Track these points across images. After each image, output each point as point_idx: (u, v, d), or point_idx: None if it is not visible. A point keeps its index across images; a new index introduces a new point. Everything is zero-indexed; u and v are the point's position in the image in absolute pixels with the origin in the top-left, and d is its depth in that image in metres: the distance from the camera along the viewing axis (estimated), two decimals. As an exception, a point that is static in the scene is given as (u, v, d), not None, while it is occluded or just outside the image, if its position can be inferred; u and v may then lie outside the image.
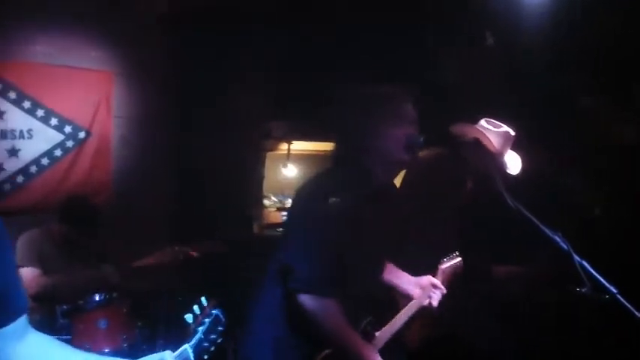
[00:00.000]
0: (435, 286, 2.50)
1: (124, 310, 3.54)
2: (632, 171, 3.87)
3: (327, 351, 2.09)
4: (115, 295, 3.55)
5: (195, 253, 3.81)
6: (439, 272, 2.61)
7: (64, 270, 3.73)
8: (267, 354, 2.12)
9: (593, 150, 4.07)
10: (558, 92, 4.14)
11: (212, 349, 1.59)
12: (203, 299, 1.64)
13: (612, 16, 3.78)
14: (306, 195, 2.18)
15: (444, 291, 2.50)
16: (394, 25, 4.62)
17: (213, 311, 1.61)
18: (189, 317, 1.60)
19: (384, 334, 2.31)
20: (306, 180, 2.25)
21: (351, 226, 2.08)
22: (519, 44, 4.26)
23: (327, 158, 2.34)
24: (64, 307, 3.41)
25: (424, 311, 2.53)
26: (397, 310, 2.45)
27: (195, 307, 1.61)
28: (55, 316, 3.41)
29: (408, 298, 2.50)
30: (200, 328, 1.58)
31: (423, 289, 2.49)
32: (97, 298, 3.46)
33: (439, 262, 2.66)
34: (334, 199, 2.07)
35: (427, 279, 2.51)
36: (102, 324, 3.39)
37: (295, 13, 4.74)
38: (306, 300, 2.03)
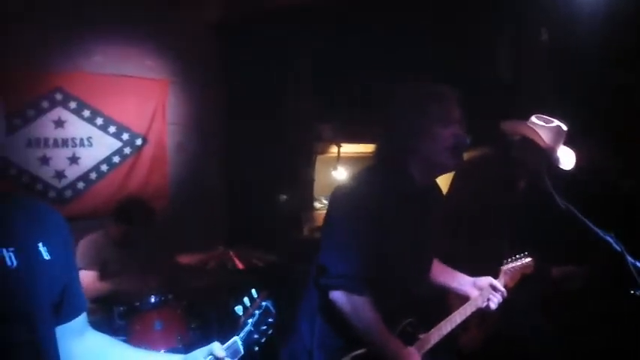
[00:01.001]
0: (494, 288, 2.40)
1: (179, 311, 3.64)
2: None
3: (360, 350, 2.08)
4: (170, 296, 3.64)
5: (241, 265, 3.84)
6: (501, 273, 2.53)
7: (123, 271, 3.86)
8: (306, 353, 2.13)
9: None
10: (616, 88, 3.99)
11: (262, 340, 1.60)
12: (253, 291, 1.63)
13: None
14: (342, 194, 2.18)
15: (505, 293, 2.40)
16: (444, 25, 4.55)
17: (264, 303, 1.60)
18: (239, 309, 1.61)
19: (431, 336, 2.27)
20: (345, 179, 2.25)
21: (387, 226, 2.06)
22: (576, 39, 4.13)
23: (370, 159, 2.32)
24: (121, 308, 3.53)
25: (482, 314, 2.46)
26: (448, 313, 2.40)
27: (246, 299, 1.61)
28: (113, 317, 3.53)
29: (464, 299, 2.42)
30: (250, 320, 1.58)
31: (482, 291, 2.40)
32: (152, 299, 3.56)
33: (500, 263, 2.58)
34: (370, 198, 2.06)
35: (486, 280, 2.42)
36: (157, 325, 3.49)
37: (344, 16, 4.75)
38: (338, 297, 2.02)
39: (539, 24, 4.50)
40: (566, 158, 2.84)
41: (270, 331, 1.60)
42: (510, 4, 4.35)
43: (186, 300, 3.74)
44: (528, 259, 2.64)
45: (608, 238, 2.03)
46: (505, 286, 2.47)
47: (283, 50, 5.02)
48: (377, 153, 2.24)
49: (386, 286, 2.09)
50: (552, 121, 2.84)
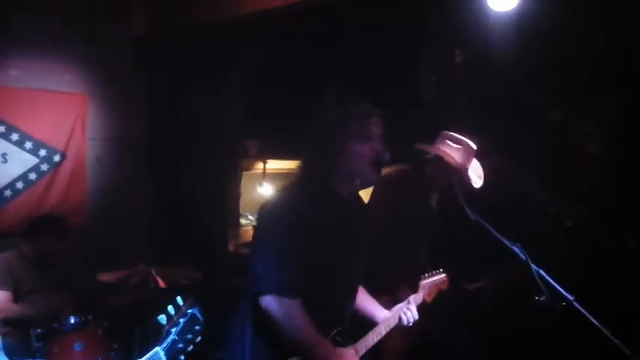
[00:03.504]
0: (408, 302, 2.53)
1: (100, 331, 3.54)
2: (600, 182, 3.95)
3: (293, 359, 2.08)
4: (90, 317, 3.54)
5: (163, 284, 3.79)
6: (420, 288, 2.66)
7: (37, 291, 3.74)
8: None
9: (562, 161, 4.14)
10: (527, 105, 4.21)
11: (189, 349, 1.56)
12: (179, 299, 1.59)
13: (580, 31, 3.86)
14: (269, 209, 2.21)
15: (415, 312, 2.51)
16: (369, 45, 4.67)
17: (189, 311, 1.57)
18: (162, 319, 1.56)
19: (358, 347, 2.31)
20: (270, 196, 2.29)
21: (314, 237, 2.10)
22: (489, 59, 4.33)
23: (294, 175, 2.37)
24: (39, 330, 3.40)
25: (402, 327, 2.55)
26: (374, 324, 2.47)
27: (170, 308, 1.57)
28: (30, 340, 3.40)
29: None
30: (174, 329, 1.55)
31: (393, 311, 2.51)
32: (72, 320, 3.46)
33: (418, 278, 2.70)
34: (296, 210, 2.10)
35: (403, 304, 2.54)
36: (77, 346, 3.38)
37: (269, 33, 4.80)
38: (269, 301, 2.01)
39: (454, 46, 4.70)
40: (477, 175, 3.02)
41: (197, 340, 1.56)
42: (427, 27, 4.53)
43: (108, 320, 3.64)
44: (443, 276, 2.78)
45: (515, 248, 2.17)
46: (423, 300, 2.62)
47: (209, 65, 5.01)
48: (301, 169, 2.29)
49: (315, 296, 2.11)
50: (462, 140, 3.01)
